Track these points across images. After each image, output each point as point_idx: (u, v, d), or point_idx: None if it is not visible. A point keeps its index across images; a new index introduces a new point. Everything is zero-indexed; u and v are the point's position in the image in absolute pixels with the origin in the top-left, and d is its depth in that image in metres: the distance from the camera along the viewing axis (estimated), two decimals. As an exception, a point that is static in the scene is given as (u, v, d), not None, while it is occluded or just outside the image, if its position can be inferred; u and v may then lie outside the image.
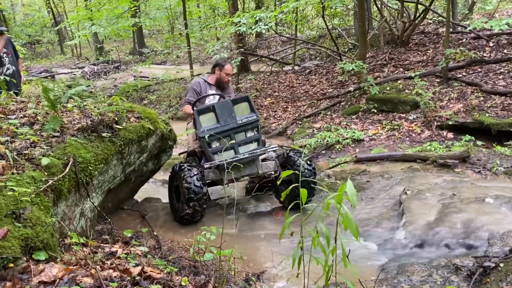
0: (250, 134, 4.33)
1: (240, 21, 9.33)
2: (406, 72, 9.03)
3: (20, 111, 3.45)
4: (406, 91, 8.03)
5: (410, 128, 7.06)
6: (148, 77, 15.69)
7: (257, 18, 9.36)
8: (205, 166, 4.23)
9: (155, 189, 5.68)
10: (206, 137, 4.12)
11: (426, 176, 4.93)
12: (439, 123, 6.91)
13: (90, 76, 18.07)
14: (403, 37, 10.81)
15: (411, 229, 3.66)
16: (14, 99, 3.80)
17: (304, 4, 11.39)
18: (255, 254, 3.59)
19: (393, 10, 12.65)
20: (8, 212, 2.13)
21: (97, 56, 22.64)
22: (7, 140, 2.78)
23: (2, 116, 3.26)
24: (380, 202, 4.47)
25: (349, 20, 15.84)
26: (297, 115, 9.14)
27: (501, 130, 6.42)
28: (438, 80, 8.24)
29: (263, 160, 4.62)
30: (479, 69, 8.21)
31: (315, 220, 1.90)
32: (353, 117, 8.17)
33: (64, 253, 2.32)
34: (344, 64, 8.45)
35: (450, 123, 6.80)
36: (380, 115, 7.85)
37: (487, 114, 6.74)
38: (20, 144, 2.81)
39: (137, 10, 17.31)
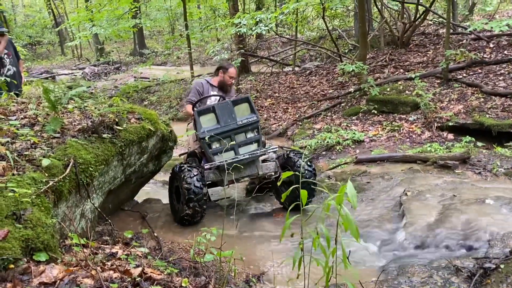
0: (250, 135, 4.33)
1: (240, 22, 9.34)
2: (406, 73, 9.04)
3: (20, 112, 3.46)
4: (407, 92, 8.04)
5: (411, 129, 7.06)
6: (148, 78, 15.70)
7: (257, 19, 9.37)
8: (205, 167, 4.23)
9: (156, 190, 5.68)
10: (206, 138, 4.12)
11: (426, 177, 4.93)
12: (439, 124, 6.91)
13: (90, 77, 18.08)
14: (403, 38, 10.81)
15: (411, 230, 3.66)
16: (14, 100, 3.81)
17: (304, 5, 11.40)
18: (256, 255, 3.58)
19: (394, 11, 12.65)
20: (9, 213, 2.13)
21: (97, 57, 22.66)
22: (8, 141, 2.78)
23: (3, 117, 3.27)
24: (381, 203, 4.46)
25: (350, 21, 15.85)
26: (297, 116, 9.15)
27: (502, 131, 6.42)
28: (439, 81, 8.24)
29: (263, 161, 4.61)
30: (480, 70, 8.21)
31: (316, 221, 1.90)
32: (353, 118, 8.17)
33: (65, 254, 2.32)
34: (345, 65, 8.46)
35: (450, 124, 6.80)
36: (380, 116, 7.85)
37: (487, 115, 6.74)
38: (20, 145, 2.81)
39: (138, 11, 17.34)
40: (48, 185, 2.48)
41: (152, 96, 13.06)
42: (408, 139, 6.78)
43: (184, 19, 13.81)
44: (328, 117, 8.62)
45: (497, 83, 7.63)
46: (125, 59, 22.10)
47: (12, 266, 1.92)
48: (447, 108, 7.28)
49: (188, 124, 5.19)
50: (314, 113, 8.97)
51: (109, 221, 3.22)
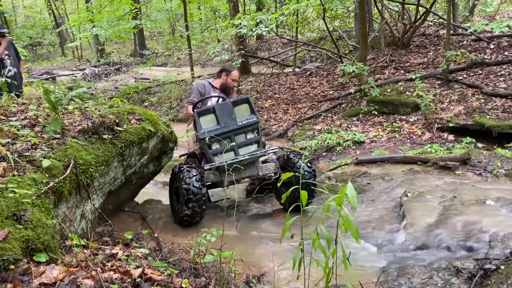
0: (250, 136, 4.33)
1: (241, 23, 9.36)
2: (406, 74, 9.04)
3: (21, 113, 3.46)
4: (407, 93, 8.04)
5: (411, 130, 7.06)
6: (149, 79, 15.71)
7: (258, 20, 9.39)
8: (205, 168, 4.23)
9: (156, 191, 5.68)
10: (207, 139, 4.12)
11: (426, 178, 4.93)
12: (439, 125, 6.91)
13: (91, 78, 18.10)
14: (403, 39, 10.82)
15: (411, 231, 3.66)
16: (15, 101, 3.81)
17: (304, 6, 11.41)
18: (256, 256, 3.58)
19: (394, 12, 12.65)
20: (9, 213, 2.13)
21: (98, 58, 22.69)
22: (8, 142, 2.78)
23: (4, 118, 3.27)
24: (381, 204, 4.46)
25: (350, 22, 15.86)
26: (297, 117, 9.15)
27: (502, 132, 6.42)
28: (439, 82, 8.24)
29: (264, 162, 4.61)
30: (480, 71, 8.21)
31: (316, 222, 1.90)
32: (353, 119, 8.17)
33: (65, 255, 2.32)
34: (345, 66, 8.46)
35: (450, 125, 6.80)
36: (380, 117, 7.85)
37: (487, 116, 6.74)
38: (21, 146, 2.82)
39: (138, 12, 17.36)
40: (49, 186, 2.49)
41: (152, 97, 13.06)
42: (408, 140, 6.78)
43: (184, 20, 13.82)
44: (328, 118, 8.62)
45: (497, 84, 7.63)
46: (125, 60, 22.12)
47: (12, 266, 1.92)
48: (447, 109, 7.27)
49: (188, 125, 5.19)
50: (315, 114, 8.98)
51: (109, 222, 3.22)
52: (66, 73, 19.26)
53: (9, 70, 5.45)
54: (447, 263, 3.01)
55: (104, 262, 2.36)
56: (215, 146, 4.23)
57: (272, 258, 3.20)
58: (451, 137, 6.68)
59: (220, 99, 4.81)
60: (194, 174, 4.07)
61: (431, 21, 12.54)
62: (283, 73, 12.98)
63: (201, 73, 14.73)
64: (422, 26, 11.42)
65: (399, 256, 3.47)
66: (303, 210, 1.93)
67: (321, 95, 10.11)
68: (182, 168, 4.16)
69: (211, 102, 4.89)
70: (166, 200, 4.76)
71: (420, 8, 10.31)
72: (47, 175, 2.58)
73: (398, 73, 9.47)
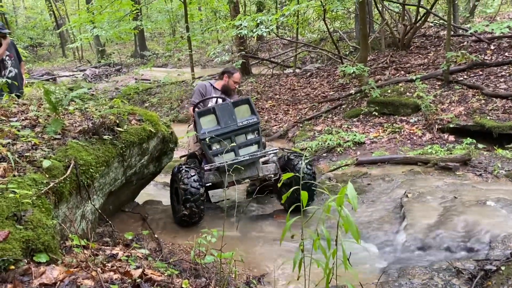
0: (250, 136, 4.33)
1: (241, 24, 9.35)
2: (407, 75, 9.04)
3: (21, 114, 3.46)
4: (407, 94, 8.03)
5: (411, 131, 7.05)
6: (149, 80, 15.72)
7: (258, 21, 9.39)
8: (205, 168, 4.23)
9: (156, 191, 5.68)
10: (207, 139, 4.12)
11: (427, 179, 4.93)
12: (440, 126, 6.91)
13: (91, 78, 18.11)
14: (404, 40, 10.82)
15: (412, 232, 3.66)
16: (16, 102, 3.82)
17: (305, 7, 11.41)
18: (256, 256, 3.58)
19: (394, 13, 12.66)
20: (9, 214, 2.13)
21: (98, 59, 22.71)
22: (9, 143, 2.79)
23: (4, 118, 3.27)
24: (381, 205, 4.46)
25: (350, 23, 15.87)
26: (298, 117, 9.15)
27: (502, 133, 6.42)
28: (439, 83, 8.24)
29: (264, 162, 4.61)
30: (480, 72, 8.21)
31: (316, 222, 1.90)
32: (354, 120, 8.17)
33: (65, 255, 2.32)
34: (345, 67, 8.46)
35: (451, 126, 6.80)
36: (381, 118, 7.85)
37: (488, 117, 6.74)
38: (21, 146, 2.82)
39: (139, 13, 17.37)
40: (49, 187, 2.49)
41: (153, 98, 13.07)
42: (409, 141, 6.77)
43: (185, 21, 13.84)
44: (329, 119, 8.62)
45: (498, 85, 7.63)
46: (126, 61, 22.13)
47: (12, 267, 1.92)
48: (448, 110, 7.27)
49: (189, 125, 5.19)
50: (315, 115, 8.98)
51: (110, 222, 3.22)
52: (67, 74, 19.28)
53: (10, 71, 5.46)
54: (448, 264, 3.00)
55: (104, 262, 2.36)
56: (215, 147, 4.24)
57: (272, 258, 3.20)
58: (451, 138, 6.67)
59: (220, 100, 4.81)
60: (192, 174, 4.07)
61: (432, 22, 12.54)
62: (284, 74, 12.99)
63: (201, 74, 14.74)
64: (422, 27, 11.41)
65: (399, 257, 3.47)
66: (304, 210, 1.93)
67: (322, 96, 10.11)
68: (181, 169, 4.16)
69: (212, 102, 4.89)
70: (166, 200, 4.76)
71: (420, 9, 10.32)
72: (47, 176, 2.58)
73: (398, 74, 9.47)
